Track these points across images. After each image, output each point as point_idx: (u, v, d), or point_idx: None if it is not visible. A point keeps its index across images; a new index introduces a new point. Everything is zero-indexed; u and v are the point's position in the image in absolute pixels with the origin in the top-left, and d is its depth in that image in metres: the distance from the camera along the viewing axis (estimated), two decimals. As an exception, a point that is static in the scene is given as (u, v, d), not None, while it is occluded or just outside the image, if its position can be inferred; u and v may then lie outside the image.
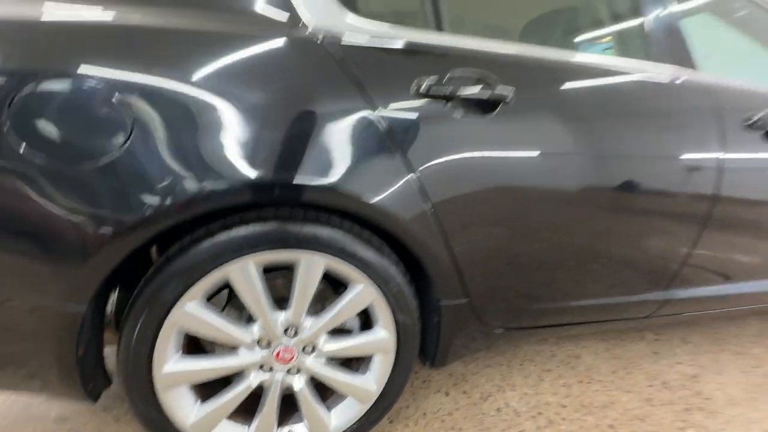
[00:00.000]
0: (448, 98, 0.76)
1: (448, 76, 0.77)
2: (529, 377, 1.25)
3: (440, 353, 0.97)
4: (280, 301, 0.80)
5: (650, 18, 1.01)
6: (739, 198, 1.06)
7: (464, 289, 0.89)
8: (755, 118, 1.01)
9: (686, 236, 1.04)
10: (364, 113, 0.72)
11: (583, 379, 1.25)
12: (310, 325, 0.82)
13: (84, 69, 0.60)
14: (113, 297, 0.83)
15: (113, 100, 0.60)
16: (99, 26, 0.64)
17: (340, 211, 0.76)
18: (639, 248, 1.01)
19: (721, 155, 0.99)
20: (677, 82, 0.98)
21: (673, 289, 1.13)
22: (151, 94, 0.62)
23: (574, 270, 0.98)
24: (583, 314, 1.09)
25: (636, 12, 1.03)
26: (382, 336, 0.86)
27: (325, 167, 0.70)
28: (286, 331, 0.80)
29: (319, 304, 0.87)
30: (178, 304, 0.71)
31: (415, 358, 0.93)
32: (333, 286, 0.90)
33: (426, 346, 0.98)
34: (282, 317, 0.80)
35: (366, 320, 0.89)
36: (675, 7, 1.03)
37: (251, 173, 0.66)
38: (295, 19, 0.74)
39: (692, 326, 1.59)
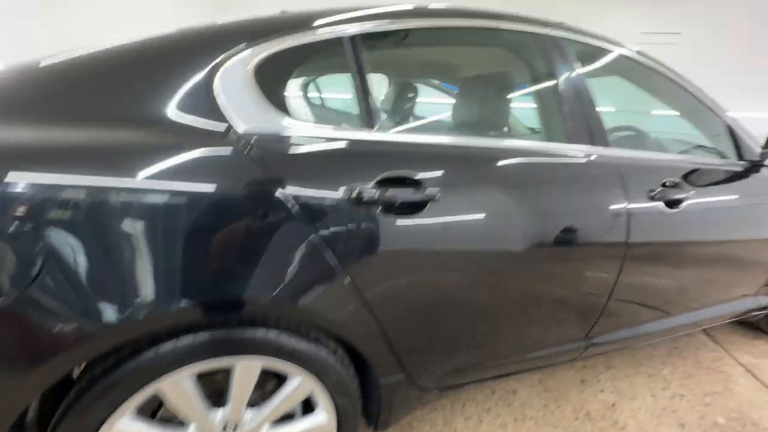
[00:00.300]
0: (378, 203, 0.80)
1: (378, 179, 0.81)
2: (470, 419, 1.34)
3: (383, 419, 1.02)
4: (217, 394, 0.81)
5: (569, 106, 1.11)
6: (647, 255, 1.20)
7: (402, 366, 0.94)
8: (656, 192, 1.14)
9: (603, 288, 1.16)
10: (295, 222, 0.74)
11: (518, 417, 1.36)
12: (250, 418, 0.83)
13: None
14: (33, 404, 0.79)
15: (26, 227, 0.57)
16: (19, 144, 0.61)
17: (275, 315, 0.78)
18: (561, 303, 1.12)
19: (629, 222, 1.11)
20: (591, 159, 1.09)
21: (595, 336, 1.27)
22: (70, 219, 0.60)
23: (502, 333, 1.07)
24: (512, 366, 1.19)
25: (557, 101, 1.12)
26: (323, 419, 0.89)
27: (258, 279, 0.71)
28: (225, 428, 0.81)
29: (260, 390, 0.88)
30: (107, 423, 0.70)
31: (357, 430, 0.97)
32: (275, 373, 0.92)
33: (369, 411, 1.02)
34: (220, 415, 0.80)
35: (307, 400, 0.92)
36: (589, 92, 1.14)
37: (179, 294, 0.66)
38: (224, 127, 0.74)
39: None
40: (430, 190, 0.83)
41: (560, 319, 1.14)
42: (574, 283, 1.10)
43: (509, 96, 1.31)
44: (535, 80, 1.20)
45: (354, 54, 0.87)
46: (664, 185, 1.16)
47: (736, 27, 4.58)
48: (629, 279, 1.17)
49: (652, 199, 1.14)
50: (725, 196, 1.36)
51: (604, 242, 1.09)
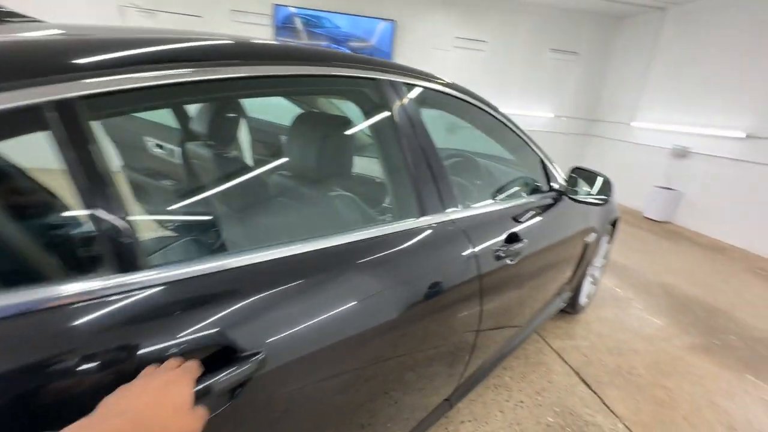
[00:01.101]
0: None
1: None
2: None
3: None
4: None
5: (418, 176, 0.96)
6: (498, 289, 1.21)
7: None
8: (500, 252, 1.13)
9: (471, 328, 1.12)
10: None
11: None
12: None
13: None
14: None
15: None
16: None
17: None
18: (432, 357, 1.01)
19: (481, 279, 1.07)
20: (447, 227, 0.99)
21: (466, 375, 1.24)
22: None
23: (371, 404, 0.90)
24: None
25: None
26: None
27: None
28: None
29: None
30: None
31: None
32: None
33: None
34: None
35: None
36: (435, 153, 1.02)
37: None
38: None
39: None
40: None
41: (432, 373, 1.05)
42: (445, 336, 1.01)
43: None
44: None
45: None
46: (507, 241, 1.16)
47: (524, 37, 5.58)
48: (490, 312, 1.17)
49: (498, 258, 1.12)
50: (544, 221, 1.51)
51: (463, 294, 1.03)
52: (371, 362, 0.80)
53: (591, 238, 1.93)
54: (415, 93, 1.14)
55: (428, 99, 1.26)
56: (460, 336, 1.09)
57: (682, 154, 4.72)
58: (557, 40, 5.67)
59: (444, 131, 2.02)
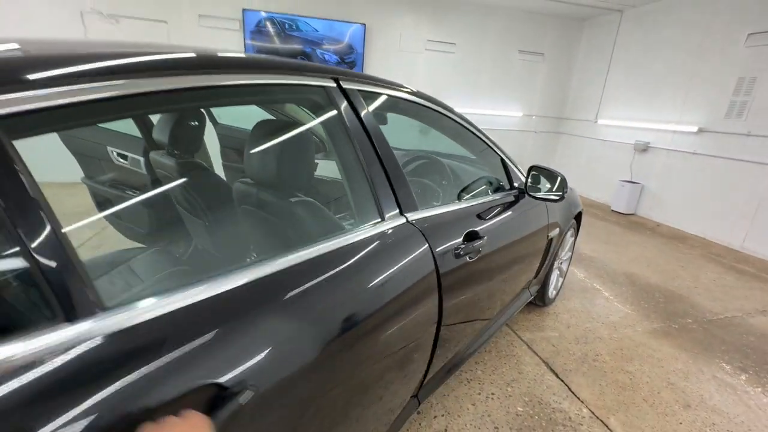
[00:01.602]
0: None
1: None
2: None
3: None
4: None
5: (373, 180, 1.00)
6: (459, 285, 1.25)
7: None
8: (458, 250, 1.17)
9: (431, 323, 1.15)
10: None
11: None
12: None
13: None
14: None
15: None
16: None
17: None
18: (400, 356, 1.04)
19: (439, 276, 1.11)
20: (404, 229, 1.03)
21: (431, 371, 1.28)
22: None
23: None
24: None
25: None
26: None
27: None
28: None
29: None
30: None
31: None
32: None
33: None
34: None
35: None
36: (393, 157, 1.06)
37: None
38: None
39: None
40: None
41: (395, 373, 1.08)
42: (405, 335, 1.04)
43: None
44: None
45: None
46: (465, 239, 1.21)
47: (493, 39, 5.73)
48: (453, 308, 1.21)
49: (458, 257, 1.17)
50: (507, 218, 1.57)
51: (421, 292, 1.06)
52: (330, 370, 0.82)
53: (554, 232, 2.02)
54: (375, 101, 1.17)
55: (393, 106, 1.30)
56: (421, 333, 1.13)
57: (643, 148, 4.95)
58: (524, 42, 5.85)
59: (417, 134, 2.08)
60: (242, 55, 0.91)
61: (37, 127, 0.55)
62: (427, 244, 1.07)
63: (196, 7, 4.60)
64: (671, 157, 4.64)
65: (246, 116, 2.33)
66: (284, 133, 1.04)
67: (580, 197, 2.67)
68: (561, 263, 2.50)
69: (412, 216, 1.09)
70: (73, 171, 2.21)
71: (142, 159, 1.91)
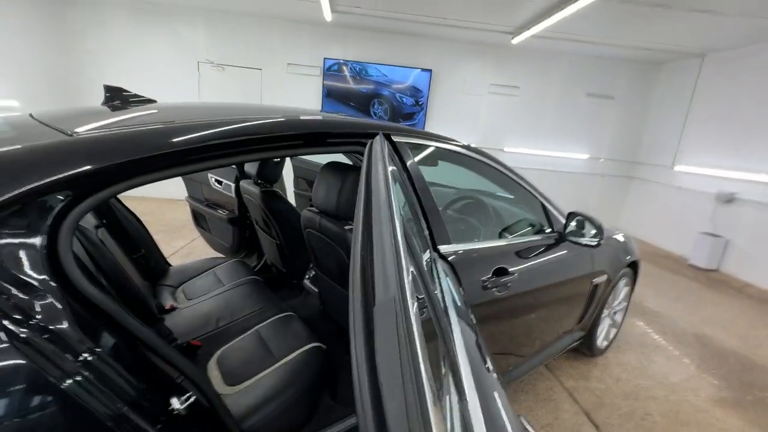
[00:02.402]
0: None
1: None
2: None
3: None
4: None
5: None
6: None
7: None
8: (486, 283, 1.31)
9: None
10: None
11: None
12: None
13: None
14: None
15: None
16: None
17: None
18: None
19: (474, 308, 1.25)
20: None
21: None
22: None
23: None
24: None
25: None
26: None
27: None
28: None
29: None
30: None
31: None
32: None
33: None
34: None
35: None
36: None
37: None
38: None
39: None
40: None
41: None
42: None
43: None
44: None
45: None
46: (495, 273, 1.34)
47: (558, 82, 5.77)
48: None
49: (485, 289, 1.30)
50: (544, 259, 1.65)
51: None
52: None
53: (600, 279, 2.01)
54: (421, 151, 1.40)
55: (442, 155, 1.51)
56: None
57: (728, 199, 4.52)
58: (593, 85, 5.79)
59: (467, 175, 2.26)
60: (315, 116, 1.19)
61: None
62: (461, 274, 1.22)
63: (286, 57, 5.37)
64: (763, 210, 4.18)
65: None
66: (347, 175, 1.30)
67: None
68: (614, 313, 2.41)
69: (444, 249, 1.25)
70: (180, 191, 2.72)
71: (233, 185, 2.32)
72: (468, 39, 5.32)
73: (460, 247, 1.32)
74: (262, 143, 0.94)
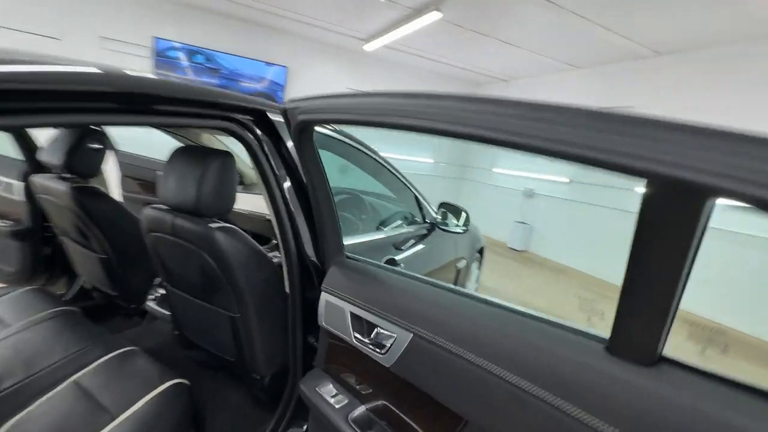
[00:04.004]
0: None
1: None
2: None
3: None
4: None
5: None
6: None
7: None
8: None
9: None
10: None
11: None
12: None
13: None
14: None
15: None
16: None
17: None
18: None
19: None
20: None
21: None
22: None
23: None
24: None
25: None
26: None
27: None
28: None
29: None
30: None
31: None
32: None
33: None
34: None
35: None
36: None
37: None
38: None
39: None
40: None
41: None
42: None
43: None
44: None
45: None
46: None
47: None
48: None
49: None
50: (421, 249, 1.72)
51: None
52: None
53: (462, 264, 2.24)
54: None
55: (320, 142, 1.38)
56: None
57: (530, 194, 5.81)
58: (432, 98, 6.59)
59: (337, 172, 2.18)
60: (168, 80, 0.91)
61: None
62: None
63: (99, 28, 4.27)
64: (551, 203, 5.52)
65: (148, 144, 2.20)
66: (210, 160, 1.04)
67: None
68: (468, 293, 2.74)
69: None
70: None
71: (17, 183, 1.66)
72: (325, 40, 5.32)
73: (348, 241, 1.23)
74: (65, 100, 0.61)
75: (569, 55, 4.73)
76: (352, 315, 0.84)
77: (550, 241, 5.49)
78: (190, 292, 1.23)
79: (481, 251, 2.75)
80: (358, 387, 0.88)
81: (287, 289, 1.10)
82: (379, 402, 0.83)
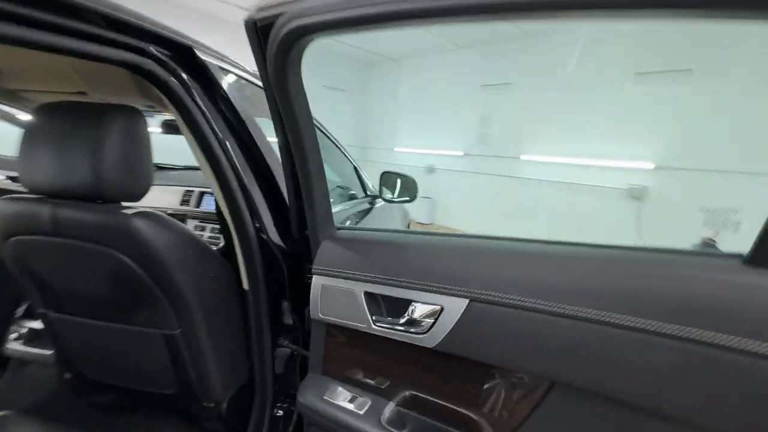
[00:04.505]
0: None
1: None
2: None
3: None
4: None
5: None
6: None
7: None
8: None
9: None
10: None
11: None
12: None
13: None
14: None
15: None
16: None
17: None
18: None
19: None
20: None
21: None
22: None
23: None
24: None
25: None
26: None
27: None
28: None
29: None
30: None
31: None
32: None
33: None
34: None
35: None
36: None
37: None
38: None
39: None
40: None
41: None
42: None
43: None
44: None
45: None
46: None
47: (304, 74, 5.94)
48: None
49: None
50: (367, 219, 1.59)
51: None
52: None
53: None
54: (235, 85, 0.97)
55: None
56: None
57: (431, 170, 6.11)
58: (329, 78, 6.35)
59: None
60: None
61: None
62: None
63: None
64: (449, 176, 5.89)
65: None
66: (106, 119, 0.71)
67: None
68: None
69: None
70: None
71: None
72: (210, 11, 4.57)
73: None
74: None
75: (454, 35, 5.02)
76: (368, 295, 0.67)
77: (453, 211, 5.89)
78: (92, 314, 0.87)
79: (409, 225, 2.74)
80: (375, 381, 0.72)
81: (245, 286, 0.86)
82: (413, 393, 0.68)
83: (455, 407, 0.64)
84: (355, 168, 1.71)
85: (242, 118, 0.83)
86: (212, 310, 0.84)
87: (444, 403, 0.65)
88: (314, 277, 0.75)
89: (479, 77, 5.36)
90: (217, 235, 1.47)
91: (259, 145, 0.86)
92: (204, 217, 1.52)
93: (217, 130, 0.77)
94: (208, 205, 1.53)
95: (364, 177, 1.76)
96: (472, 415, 0.63)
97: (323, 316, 0.74)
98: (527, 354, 0.55)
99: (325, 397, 0.72)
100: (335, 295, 0.72)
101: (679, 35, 3.61)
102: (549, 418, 0.56)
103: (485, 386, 0.61)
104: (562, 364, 0.52)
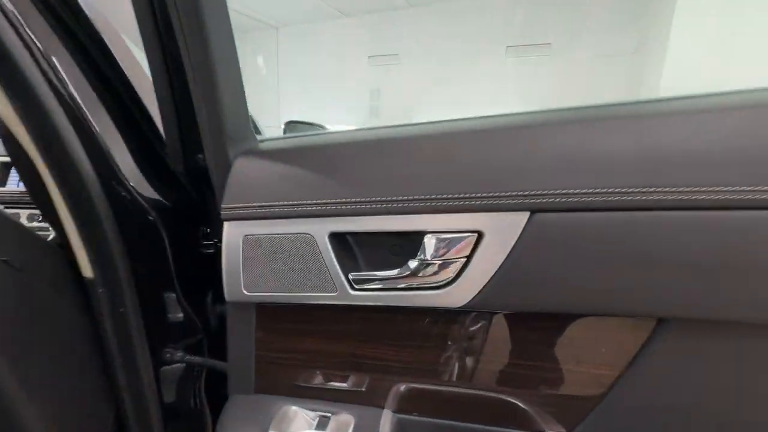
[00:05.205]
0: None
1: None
2: None
3: None
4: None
5: None
6: None
7: None
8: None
9: None
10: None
11: None
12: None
13: None
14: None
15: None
16: None
17: None
18: None
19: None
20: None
21: None
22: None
23: None
24: None
25: None
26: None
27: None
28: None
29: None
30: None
31: None
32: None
33: None
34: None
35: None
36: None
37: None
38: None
39: None
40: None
41: None
42: None
43: None
44: None
45: None
46: None
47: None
48: None
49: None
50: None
51: None
52: None
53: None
54: None
55: None
56: None
57: (323, 147, 5.78)
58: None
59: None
60: None
61: None
62: None
63: None
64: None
65: None
66: None
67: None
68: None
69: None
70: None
71: None
72: None
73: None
74: None
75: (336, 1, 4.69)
76: (335, 239, 0.38)
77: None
78: None
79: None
80: (357, 384, 0.44)
81: (87, 273, 0.48)
82: (426, 387, 0.43)
83: (495, 394, 0.41)
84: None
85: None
86: (28, 324, 0.44)
87: (478, 392, 0.41)
88: (226, 226, 0.42)
89: (365, 47, 5.18)
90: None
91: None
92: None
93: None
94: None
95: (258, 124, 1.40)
96: (524, 406, 0.41)
97: (249, 293, 0.42)
98: (636, 284, 0.34)
99: (271, 431, 0.41)
100: (271, 250, 0.40)
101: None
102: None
103: (550, 360, 0.39)
104: (684, 288, 0.33)
